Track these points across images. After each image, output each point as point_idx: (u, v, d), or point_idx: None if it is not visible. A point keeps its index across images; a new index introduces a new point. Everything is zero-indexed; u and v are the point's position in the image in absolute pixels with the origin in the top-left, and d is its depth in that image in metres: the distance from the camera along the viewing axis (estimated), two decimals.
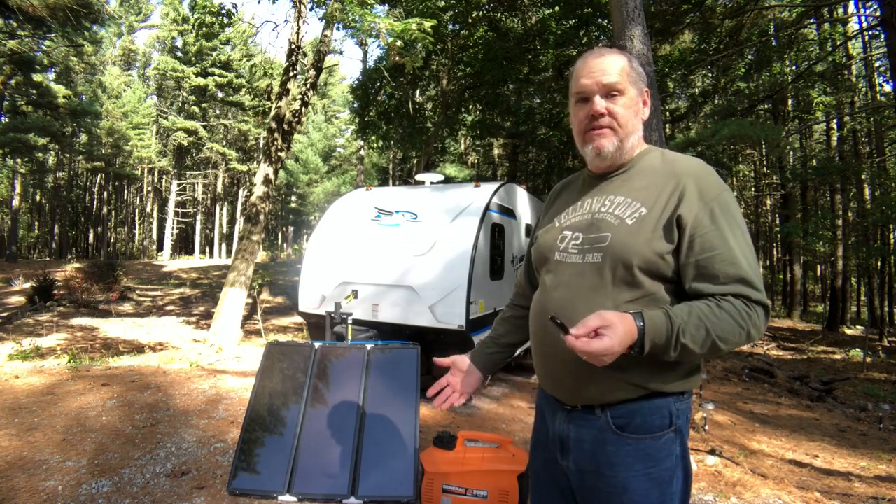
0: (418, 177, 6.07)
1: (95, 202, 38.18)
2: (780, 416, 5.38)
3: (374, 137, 14.74)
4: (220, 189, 39.07)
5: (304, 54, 8.96)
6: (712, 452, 3.55)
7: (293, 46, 7.99)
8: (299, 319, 9.72)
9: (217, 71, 31.76)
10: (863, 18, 13.47)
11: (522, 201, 5.79)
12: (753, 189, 22.04)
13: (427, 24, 7.02)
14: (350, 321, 3.99)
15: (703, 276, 1.00)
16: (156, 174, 38.65)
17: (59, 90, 24.99)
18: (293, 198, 33.98)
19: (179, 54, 32.67)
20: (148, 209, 38.65)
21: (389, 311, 4.43)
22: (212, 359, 6.24)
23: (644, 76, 1.16)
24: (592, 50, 1.15)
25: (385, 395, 2.88)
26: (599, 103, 1.10)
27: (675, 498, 1.05)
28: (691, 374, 1.08)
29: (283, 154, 8.13)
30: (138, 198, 40.91)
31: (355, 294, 4.54)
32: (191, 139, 32.94)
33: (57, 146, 28.34)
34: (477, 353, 1.42)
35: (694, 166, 1.08)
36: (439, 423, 4.02)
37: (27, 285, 13.76)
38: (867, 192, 15.96)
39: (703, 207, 1.02)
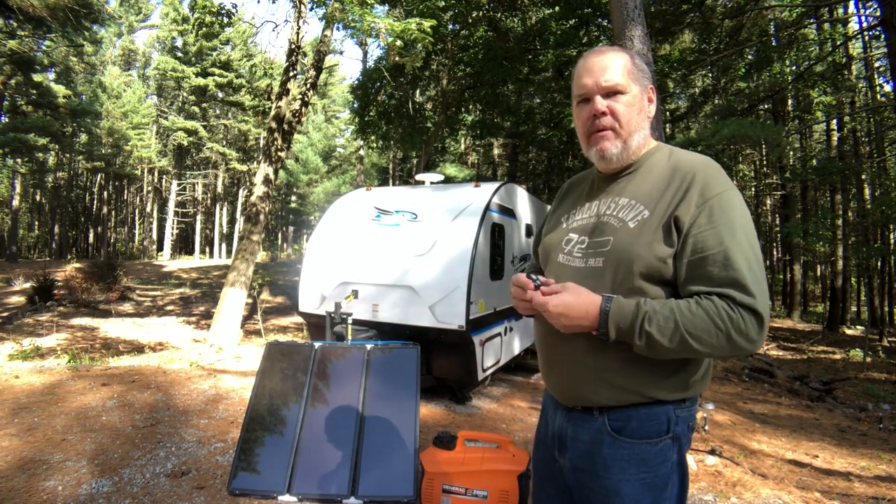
0: (418, 177, 6.06)
1: (95, 202, 38.18)
2: (780, 416, 5.38)
3: (374, 137, 14.71)
4: (220, 189, 39.06)
5: (304, 54, 8.95)
6: (712, 452, 3.55)
7: (293, 46, 7.99)
8: (299, 319, 9.72)
9: (217, 71, 31.74)
10: (863, 18, 13.47)
11: (522, 201, 5.79)
12: (753, 189, 22.03)
13: (427, 24, 7.02)
14: (350, 321, 3.99)
15: (695, 277, 0.97)
16: (156, 174, 38.64)
17: (59, 90, 24.96)
18: (293, 198, 33.94)
19: (179, 54, 32.65)
20: (148, 209, 38.64)
21: (389, 311, 4.43)
22: (212, 359, 6.24)
23: (647, 72, 1.13)
24: (593, 49, 1.13)
25: (385, 395, 2.88)
26: (600, 102, 1.07)
27: (671, 503, 1.04)
28: (693, 383, 1.05)
29: (283, 154, 8.13)
30: (138, 198, 40.90)
31: (355, 294, 4.53)
32: (191, 139, 32.92)
33: (57, 146, 28.34)
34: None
35: (698, 164, 1.04)
36: (439, 423, 4.02)
37: (27, 285, 13.75)
38: (867, 192, 15.95)
39: (702, 206, 0.98)
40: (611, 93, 1.07)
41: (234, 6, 8.30)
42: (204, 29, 8.80)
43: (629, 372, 1.02)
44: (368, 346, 3.08)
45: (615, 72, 1.07)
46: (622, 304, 0.96)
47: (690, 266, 0.97)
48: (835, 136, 16.37)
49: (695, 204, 0.98)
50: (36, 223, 39.93)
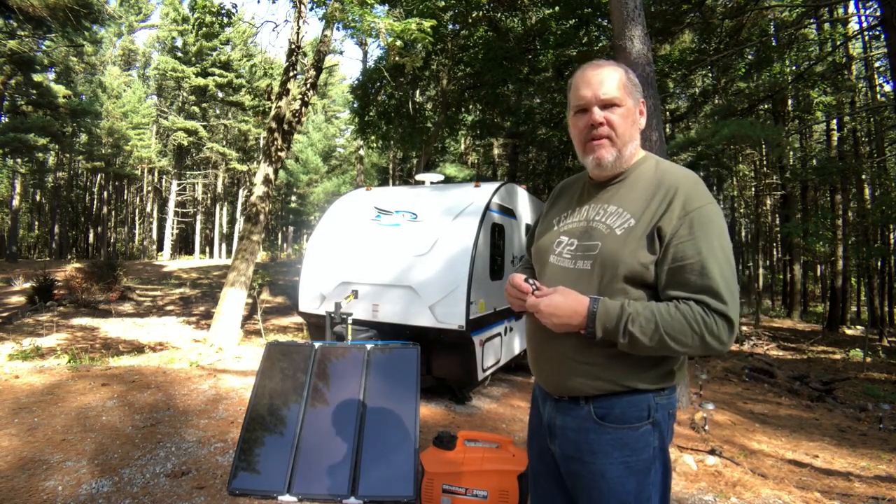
0: (418, 177, 6.06)
1: (95, 202, 38.17)
2: (780, 416, 5.38)
3: (374, 137, 14.70)
4: (220, 189, 39.06)
5: (304, 54, 8.95)
6: (712, 452, 3.55)
7: (293, 46, 7.99)
8: (299, 319, 9.73)
9: (217, 71, 31.73)
10: (863, 18, 13.47)
11: (522, 201, 5.79)
12: (753, 189, 22.02)
13: (427, 24, 7.03)
14: (350, 321, 3.99)
15: (674, 284, 1.06)
16: (156, 174, 38.63)
17: (59, 90, 24.95)
18: (293, 198, 33.94)
19: (179, 54, 32.64)
20: (148, 209, 38.64)
21: (389, 311, 4.43)
22: (212, 359, 6.25)
23: (640, 87, 1.22)
24: (590, 62, 1.21)
25: (385, 394, 2.88)
26: (598, 113, 1.15)
27: (655, 490, 1.12)
28: (668, 374, 1.14)
29: (283, 154, 8.13)
30: (138, 198, 40.90)
31: (355, 294, 4.53)
32: (191, 139, 32.92)
33: (57, 146, 28.33)
34: None
35: (682, 178, 1.13)
36: (439, 423, 4.02)
37: (27, 285, 13.75)
38: (867, 192, 15.95)
39: (683, 218, 1.07)
40: (607, 105, 1.15)
41: (234, 6, 8.30)
42: (204, 29, 8.81)
43: (612, 366, 1.11)
44: (368, 346, 3.08)
45: (611, 85, 1.15)
46: (608, 305, 1.06)
47: (670, 273, 1.07)
48: (835, 136, 16.37)
49: (677, 216, 1.08)
50: (36, 223, 39.91)
